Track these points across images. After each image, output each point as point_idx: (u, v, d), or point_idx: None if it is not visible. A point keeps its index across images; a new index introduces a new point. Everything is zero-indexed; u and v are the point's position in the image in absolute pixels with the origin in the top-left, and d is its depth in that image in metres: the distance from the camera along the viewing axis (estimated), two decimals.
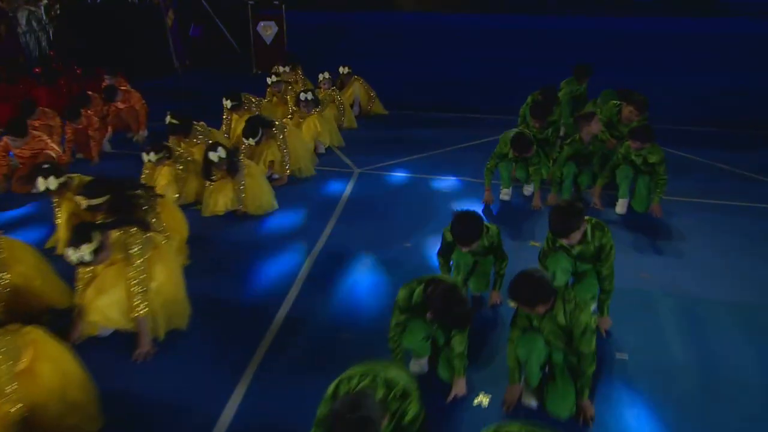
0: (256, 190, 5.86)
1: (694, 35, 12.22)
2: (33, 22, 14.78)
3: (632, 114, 6.26)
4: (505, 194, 6.29)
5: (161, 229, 4.61)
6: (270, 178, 6.73)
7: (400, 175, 7.04)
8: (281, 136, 6.63)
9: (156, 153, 5.75)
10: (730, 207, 6.06)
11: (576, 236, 3.77)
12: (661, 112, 8.87)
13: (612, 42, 12.44)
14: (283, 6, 12.91)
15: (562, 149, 6.08)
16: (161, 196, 4.94)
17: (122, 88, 8.30)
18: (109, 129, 8.27)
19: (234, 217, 5.80)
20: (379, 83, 10.57)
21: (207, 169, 5.66)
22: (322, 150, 7.75)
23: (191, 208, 5.95)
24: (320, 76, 8.56)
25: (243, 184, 5.74)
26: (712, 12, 11.69)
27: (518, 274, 3.19)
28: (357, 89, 9.51)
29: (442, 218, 5.72)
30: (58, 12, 13.25)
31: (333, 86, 8.68)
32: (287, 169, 6.71)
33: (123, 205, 4.50)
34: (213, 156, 5.53)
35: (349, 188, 6.60)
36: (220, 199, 5.78)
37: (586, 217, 3.87)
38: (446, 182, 6.79)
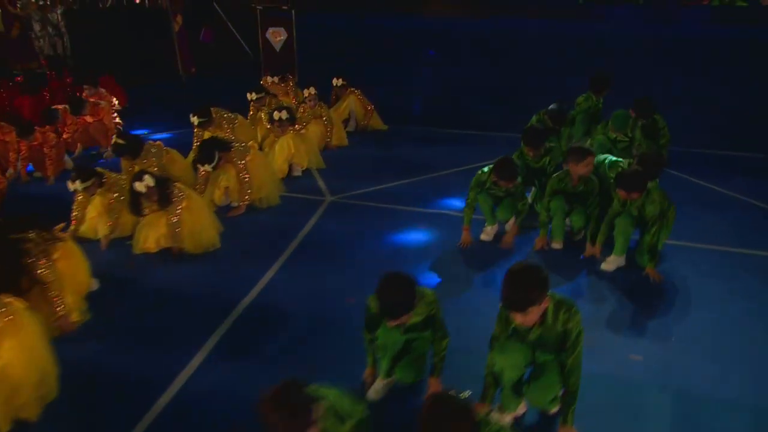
0: (195, 225, 5.05)
1: (733, 41, 10.83)
2: (48, 27, 14.52)
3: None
4: (487, 233, 5.30)
5: (52, 281, 3.85)
6: (227, 207, 5.95)
7: (376, 205, 6.12)
8: (241, 161, 5.82)
9: (82, 181, 5.02)
10: (762, 260, 4.92)
11: (534, 313, 2.82)
12: (687, 129, 7.75)
13: (641, 49, 11.17)
14: (293, 11, 12.15)
15: (550, 181, 5.09)
16: (60, 239, 4.17)
17: (91, 99, 7.68)
18: (78, 145, 7.67)
19: (167, 255, 5.01)
20: (392, 92, 9.72)
21: (135, 201, 4.89)
22: (298, 173, 6.92)
23: (127, 243, 5.22)
24: (305, 92, 7.73)
25: (177, 218, 4.93)
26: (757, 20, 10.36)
27: (430, 400, 2.29)
28: (352, 103, 8.64)
29: (409, 262, 4.82)
30: (61, 19, 12.89)
31: (319, 102, 7.82)
32: (247, 198, 5.89)
33: (4, 254, 3.76)
34: (139, 186, 4.76)
35: (312, 221, 5.73)
36: (151, 235, 5.01)
37: (549, 293, 2.91)
38: (429, 216, 5.84)
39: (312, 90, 7.67)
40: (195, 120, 6.75)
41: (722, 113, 9.43)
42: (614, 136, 6.43)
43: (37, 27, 14.24)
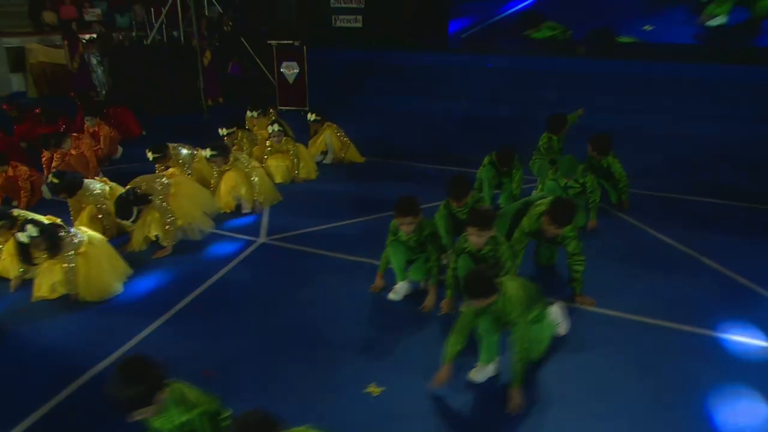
0: (92, 272, 4.36)
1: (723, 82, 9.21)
2: (105, 61, 14.48)
3: (550, 227, 3.89)
4: (395, 292, 4.34)
5: None
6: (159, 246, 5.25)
7: (308, 250, 5.22)
8: (165, 204, 5.11)
9: None
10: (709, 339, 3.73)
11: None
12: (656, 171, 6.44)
13: (615, 84, 9.67)
14: (305, 47, 11.46)
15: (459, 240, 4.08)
16: None
17: (74, 134, 7.21)
18: None
19: (66, 302, 4.33)
20: (389, 124, 8.88)
21: (23, 252, 4.24)
22: (247, 209, 6.14)
23: None
24: (269, 128, 6.97)
25: (71, 265, 4.25)
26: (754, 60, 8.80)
27: None
28: (328, 137, 7.79)
29: (317, 324, 3.96)
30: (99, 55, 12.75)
31: (286, 137, 7.04)
32: (172, 240, 5.16)
33: None
34: (21, 237, 4.13)
35: (228, 266, 4.92)
36: (44, 282, 4.35)
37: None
38: (356, 265, 4.88)
39: (276, 126, 6.92)
40: (150, 156, 6.12)
41: (699, 154, 7.94)
42: (564, 182, 5.33)
43: (93, 61, 14.26)
